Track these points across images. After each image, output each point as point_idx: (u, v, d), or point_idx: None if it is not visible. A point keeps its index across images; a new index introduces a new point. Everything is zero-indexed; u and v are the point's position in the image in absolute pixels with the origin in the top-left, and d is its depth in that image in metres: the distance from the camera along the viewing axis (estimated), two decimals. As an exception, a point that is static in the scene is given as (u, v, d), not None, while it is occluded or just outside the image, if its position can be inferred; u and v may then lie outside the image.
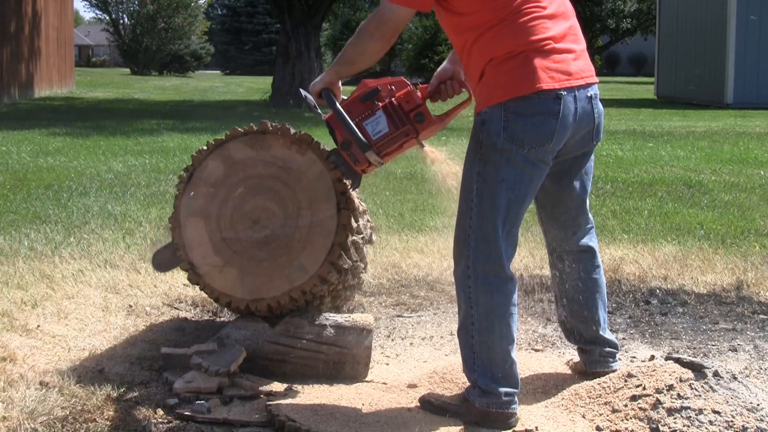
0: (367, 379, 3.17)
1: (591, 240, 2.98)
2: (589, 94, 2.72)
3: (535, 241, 5.23)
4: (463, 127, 14.53)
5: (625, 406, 2.69)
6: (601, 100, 2.82)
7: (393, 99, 2.89)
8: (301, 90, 3.08)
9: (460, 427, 2.67)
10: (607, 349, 3.01)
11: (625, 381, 2.78)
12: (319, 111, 2.99)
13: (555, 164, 2.76)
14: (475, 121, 2.70)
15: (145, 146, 10.45)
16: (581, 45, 2.77)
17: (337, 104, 2.90)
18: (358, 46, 2.80)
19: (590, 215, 3.00)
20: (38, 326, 3.54)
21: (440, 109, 3.01)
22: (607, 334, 3.03)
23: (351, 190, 3.17)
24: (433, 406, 2.78)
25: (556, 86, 2.61)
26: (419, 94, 2.95)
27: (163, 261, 3.48)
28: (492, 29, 2.64)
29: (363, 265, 3.59)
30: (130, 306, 3.97)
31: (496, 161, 2.63)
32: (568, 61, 2.66)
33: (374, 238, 3.65)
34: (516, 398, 2.71)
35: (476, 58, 2.68)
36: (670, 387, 2.67)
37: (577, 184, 2.89)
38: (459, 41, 2.75)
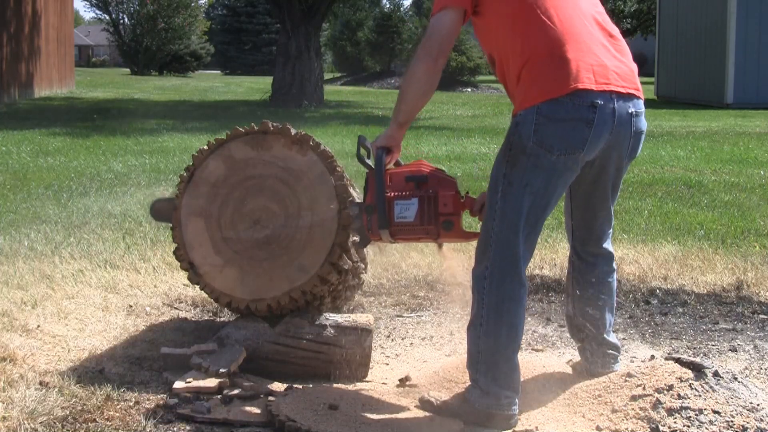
0: (367, 379, 3.18)
1: (609, 244, 2.99)
2: (630, 110, 2.67)
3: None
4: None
5: (625, 406, 2.69)
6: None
7: (435, 195, 2.82)
8: (361, 137, 3.00)
9: (460, 427, 2.67)
10: (609, 351, 3.01)
11: (625, 381, 2.78)
12: (369, 162, 2.92)
13: (590, 173, 2.76)
14: (511, 123, 2.68)
15: (145, 146, 10.45)
16: (626, 58, 2.73)
17: (383, 171, 2.82)
18: (407, 75, 2.76)
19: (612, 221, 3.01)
20: (38, 326, 3.54)
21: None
22: (611, 337, 3.03)
23: (358, 247, 3.15)
24: (433, 406, 2.78)
25: (593, 87, 2.57)
26: (462, 202, 2.87)
27: (161, 210, 3.45)
28: (517, 26, 2.63)
29: (363, 266, 3.59)
30: (130, 306, 3.97)
31: (523, 165, 2.61)
32: (608, 66, 2.63)
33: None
34: (516, 400, 2.71)
35: (511, 64, 2.66)
36: (670, 387, 2.67)
37: (609, 193, 2.88)
38: (493, 46, 2.73)
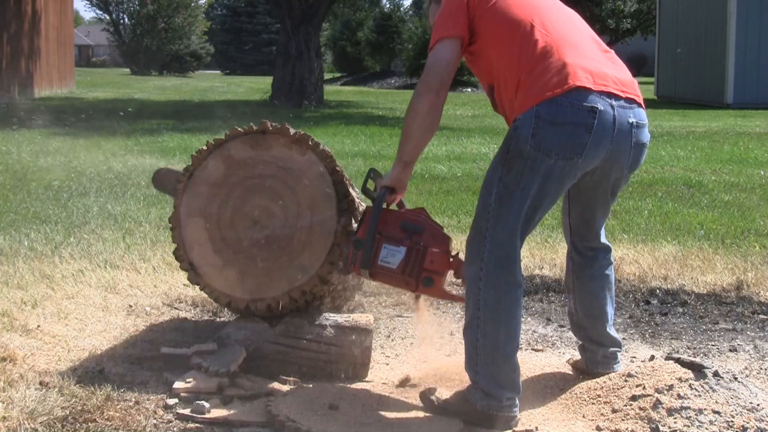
0: (367, 379, 3.18)
1: (605, 237, 3.00)
2: (631, 120, 2.65)
3: (536, 241, 5.23)
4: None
5: (625, 406, 2.69)
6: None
7: (424, 249, 2.79)
8: (372, 169, 3.00)
9: (460, 427, 2.67)
10: (611, 349, 3.02)
11: (625, 381, 2.79)
12: (374, 195, 2.91)
13: (590, 181, 2.76)
14: (510, 128, 2.67)
15: (145, 146, 10.45)
16: (624, 70, 2.74)
17: (380, 211, 2.81)
18: (409, 111, 2.73)
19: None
20: (38, 326, 3.54)
21: None
22: (613, 332, 3.04)
23: (339, 273, 3.15)
24: (433, 405, 2.78)
25: (591, 87, 2.56)
26: (450, 262, 2.84)
27: (162, 179, 3.45)
28: (514, 42, 2.64)
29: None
30: (130, 306, 3.97)
31: (520, 168, 2.60)
32: (606, 72, 2.64)
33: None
34: (517, 401, 2.71)
35: (510, 79, 2.66)
36: (670, 387, 2.67)
37: (608, 198, 2.88)
38: (492, 70, 2.73)
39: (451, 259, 2.86)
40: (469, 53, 2.79)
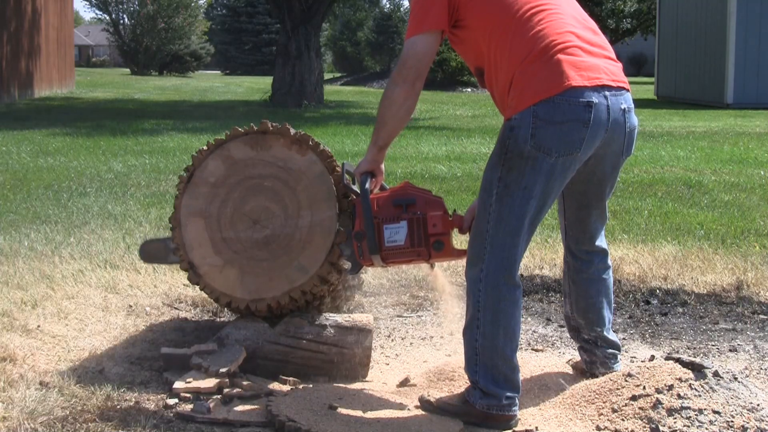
0: (367, 379, 3.18)
1: (603, 241, 2.99)
2: (623, 107, 2.68)
3: (536, 241, 5.23)
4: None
5: (625, 406, 2.69)
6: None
7: (423, 216, 2.81)
8: (344, 163, 3.02)
9: (460, 427, 2.68)
10: (609, 350, 3.01)
11: (625, 381, 2.78)
12: (354, 188, 2.93)
13: (584, 171, 2.76)
14: (504, 127, 2.66)
15: (145, 146, 10.45)
16: (612, 54, 2.75)
17: (368, 197, 2.83)
18: (385, 99, 2.75)
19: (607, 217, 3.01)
20: (38, 326, 3.54)
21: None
22: (611, 335, 3.03)
23: (350, 273, 3.15)
24: (432, 406, 2.78)
25: (586, 84, 2.57)
26: (451, 221, 2.87)
27: (151, 251, 3.49)
28: (506, 34, 2.63)
29: (363, 265, 3.58)
30: (130, 306, 3.97)
31: (521, 168, 2.60)
32: (599, 64, 2.65)
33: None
34: (517, 401, 2.71)
35: (502, 72, 2.65)
36: (670, 387, 2.67)
37: (604, 191, 2.88)
38: (480, 55, 2.72)
39: (451, 218, 2.88)
40: (454, 35, 2.77)
